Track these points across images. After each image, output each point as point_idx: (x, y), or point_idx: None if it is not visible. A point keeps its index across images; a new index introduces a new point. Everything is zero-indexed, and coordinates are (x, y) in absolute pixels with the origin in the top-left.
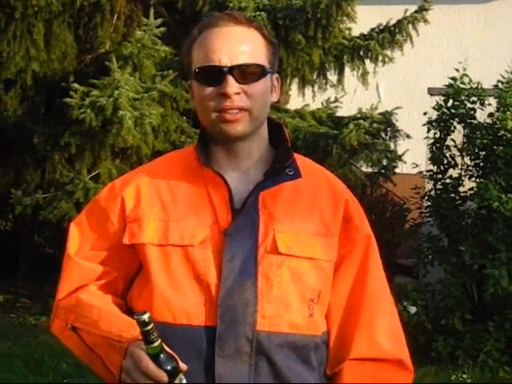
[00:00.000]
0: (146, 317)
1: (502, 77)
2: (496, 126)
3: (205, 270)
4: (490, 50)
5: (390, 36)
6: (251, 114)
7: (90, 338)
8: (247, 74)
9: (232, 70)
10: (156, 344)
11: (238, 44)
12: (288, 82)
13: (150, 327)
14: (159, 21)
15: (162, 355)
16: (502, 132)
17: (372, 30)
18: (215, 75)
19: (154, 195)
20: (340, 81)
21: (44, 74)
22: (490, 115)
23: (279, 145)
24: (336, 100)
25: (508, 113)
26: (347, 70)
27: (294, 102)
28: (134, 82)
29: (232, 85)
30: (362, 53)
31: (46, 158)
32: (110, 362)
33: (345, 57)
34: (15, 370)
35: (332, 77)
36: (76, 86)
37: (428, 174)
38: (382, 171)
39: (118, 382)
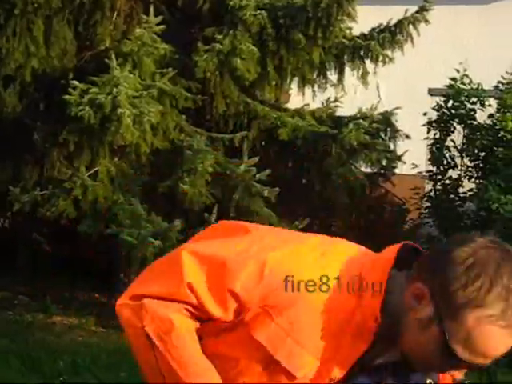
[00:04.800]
0: None
1: (503, 78)
2: (496, 127)
3: None
4: (491, 50)
5: (390, 36)
6: None
7: (165, 364)
8: None
9: None
10: None
11: None
12: (288, 81)
13: None
14: (159, 18)
15: None
16: (502, 133)
17: (372, 29)
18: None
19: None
20: (340, 80)
21: (43, 70)
22: (490, 116)
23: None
24: (336, 100)
25: (508, 114)
26: (347, 69)
27: (294, 101)
28: (133, 79)
29: None
30: (362, 52)
31: (44, 155)
32: None
33: (345, 56)
34: (12, 368)
35: (332, 76)
36: (75, 83)
37: (427, 174)
38: (382, 171)
39: None
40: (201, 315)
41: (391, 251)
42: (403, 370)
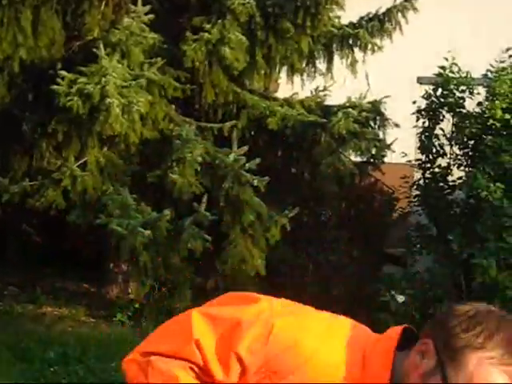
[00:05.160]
0: None
1: (491, 66)
2: (485, 115)
3: None
4: (480, 39)
5: (379, 24)
6: None
7: None
8: None
9: None
10: None
11: None
12: (277, 70)
13: None
14: (147, 8)
15: None
16: (491, 121)
17: (361, 18)
18: None
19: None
20: (329, 69)
21: (31, 61)
22: (479, 104)
23: None
24: (325, 88)
25: (497, 102)
26: (336, 58)
27: (283, 90)
28: (121, 69)
29: None
30: (351, 41)
31: (33, 145)
32: None
33: (334, 45)
34: (2, 358)
35: (321, 65)
36: (63, 73)
37: (417, 163)
38: (371, 160)
39: None
40: (205, 379)
41: (394, 332)
42: None
